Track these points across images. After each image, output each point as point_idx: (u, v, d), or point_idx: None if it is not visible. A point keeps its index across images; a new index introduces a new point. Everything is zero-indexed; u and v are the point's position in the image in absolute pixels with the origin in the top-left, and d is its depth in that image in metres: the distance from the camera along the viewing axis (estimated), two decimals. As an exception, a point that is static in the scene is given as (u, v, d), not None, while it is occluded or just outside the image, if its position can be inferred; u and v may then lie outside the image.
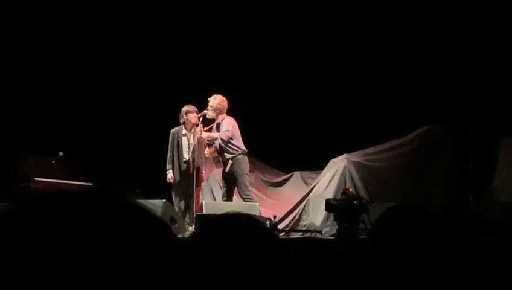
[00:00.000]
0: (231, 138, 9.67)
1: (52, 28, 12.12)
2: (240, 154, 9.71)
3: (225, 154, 9.73)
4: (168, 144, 10.04)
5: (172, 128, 10.06)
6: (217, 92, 9.76)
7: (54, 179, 10.29)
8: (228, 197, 9.85)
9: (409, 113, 11.07)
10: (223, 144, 9.69)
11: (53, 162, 10.43)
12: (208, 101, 9.75)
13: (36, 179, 10.12)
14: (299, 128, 12.00)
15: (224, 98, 9.73)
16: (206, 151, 9.78)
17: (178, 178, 9.78)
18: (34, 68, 12.06)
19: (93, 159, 11.15)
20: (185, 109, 9.77)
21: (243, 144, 9.77)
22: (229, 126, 9.66)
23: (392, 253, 2.12)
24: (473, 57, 10.93)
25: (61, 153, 10.43)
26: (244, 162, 9.77)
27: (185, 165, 9.76)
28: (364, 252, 2.20)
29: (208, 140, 9.77)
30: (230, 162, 9.70)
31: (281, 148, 11.83)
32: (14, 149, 10.64)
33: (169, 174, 9.87)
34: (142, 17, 12.39)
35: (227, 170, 9.75)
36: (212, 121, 9.83)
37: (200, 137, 9.66)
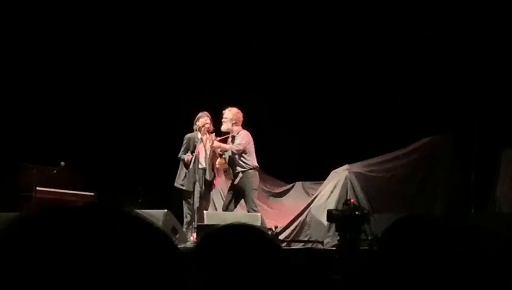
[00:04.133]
0: (244, 152, 9.64)
1: (57, 37, 12.14)
2: (250, 169, 9.68)
3: (236, 167, 9.70)
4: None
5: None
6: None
7: (55, 188, 10.29)
8: (228, 208, 9.81)
9: (412, 123, 11.07)
10: (234, 157, 9.66)
11: (55, 171, 10.43)
12: (222, 114, 9.74)
13: (38, 188, 10.12)
14: (301, 138, 12.01)
15: (239, 110, 9.74)
16: (217, 162, 9.77)
17: (191, 187, 9.69)
18: (37, 77, 12.08)
19: (95, 169, 11.15)
20: (200, 114, 9.79)
21: (255, 160, 9.73)
22: (242, 140, 9.65)
23: (402, 264, 2.11)
24: (475, 68, 10.94)
25: (62, 163, 10.43)
26: (254, 177, 9.73)
27: (201, 172, 9.71)
28: (374, 263, 2.19)
29: (219, 151, 9.76)
30: (240, 175, 9.67)
31: (283, 158, 11.83)
32: (16, 158, 10.65)
33: (187, 156, 9.73)
34: (150, 27, 12.41)
35: (236, 182, 9.72)
36: (227, 133, 9.81)
37: (211, 146, 9.64)
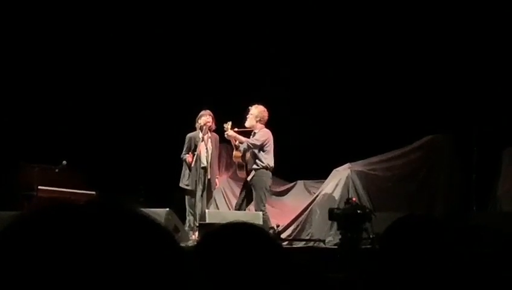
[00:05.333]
0: (262, 150, 9.58)
1: (58, 36, 12.14)
2: (263, 168, 9.61)
3: (251, 164, 9.64)
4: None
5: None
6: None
7: (57, 187, 10.28)
8: (241, 207, 9.78)
9: (413, 122, 11.06)
10: (251, 153, 9.59)
11: (56, 170, 10.42)
12: (248, 110, 9.70)
13: (39, 187, 10.11)
14: (303, 137, 11.99)
15: (265, 109, 9.67)
16: (233, 154, 9.74)
17: (193, 186, 9.68)
18: (38, 76, 12.08)
19: (97, 168, 11.14)
20: (202, 112, 9.78)
21: (272, 160, 9.62)
22: (261, 137, 9.57)
23: (403, 263, 2.11)
24: (476, 67, 10.93)
25: (64, 162, 10.42)
26: (266, 177, 9.63)
27: (202, 171, 9.69)
28: (375, 262, 2.20)
29: (235, 142, 9.70)
30: (253, 172, 9.61)
31: (284, 157, 11.82)
32: (18, 157, 10.64)
33: (189, 157, 9.73)
34: (152, 26, 12.40)
35: (248, 179, 9.67)
36: (250, 129, 9.74)
37: (226, 134, 9.60)
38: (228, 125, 9.58)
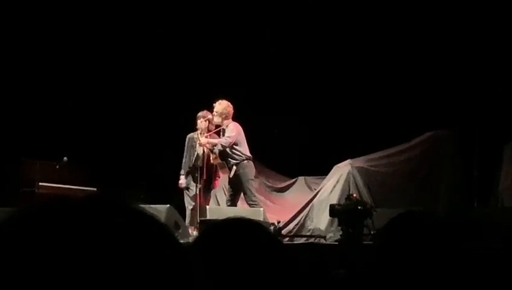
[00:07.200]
0: (235, 144, 9.62)
1: (59, 32, 12.14)
2: (244, 160, 9.66)
3: (230, 159, 9.69)
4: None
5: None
6: (222, 98, 9.76)
7: (58, 183, 10.29)
8: (232, 202, 9.82)
9: (414, 118, 11.06)
10: (226, 150, 9.66)
11: (57, 166, 10.43)
12: (213, 107, 9.74)
13: (40, 183, 10.12)
14: (303, 133, 12.00)
15: (229, 104, 9.71)
16: (211, 158, 9.78)
17: (193, 184, 9.72)
18: (39, 72, 12.08)
19: (98, 164, 11.16)
20: (198, 114, 9.81)
21: (247, 150, 9.72)
22: (231, 132, 9.62)
23: (401, 259, 2.11)
24: (477, 63, 10.92)
25: (65, 158, 10.43)
26: (249, 168, 9.73)
27: (200, 169, 9.72)
28: (373, 258, 2.19)
29: (209, 146, 9.74)
30: (234, 167, 9.66)
31: (285, 153, 11.83)
32: (19, 154, 10.65)
33: (181, 180, 9.86)
34: (151, 24, 12.41)
35: (231, 175, 9.72)
36: (218, 126, 9.81)
37: (200, 143, 9.66)
38: (202, 132, 9.64)
